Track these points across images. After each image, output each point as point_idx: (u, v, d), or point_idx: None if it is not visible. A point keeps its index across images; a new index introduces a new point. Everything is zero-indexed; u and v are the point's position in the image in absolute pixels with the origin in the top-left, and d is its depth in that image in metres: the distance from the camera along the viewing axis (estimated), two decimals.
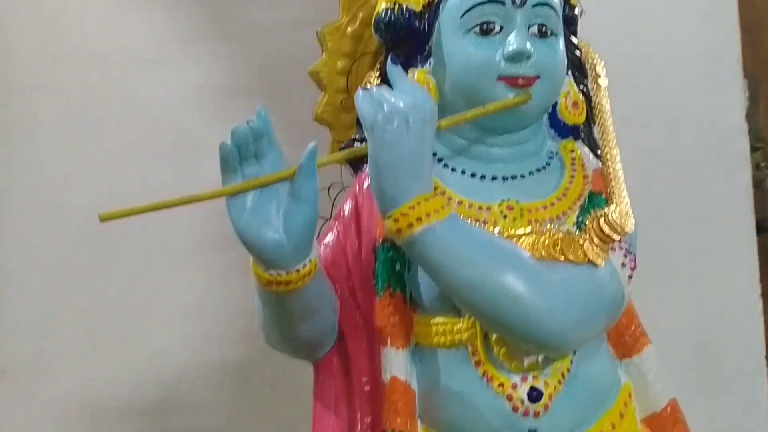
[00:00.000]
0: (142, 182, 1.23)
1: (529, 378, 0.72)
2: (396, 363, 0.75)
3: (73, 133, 1.28)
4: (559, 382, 0.73)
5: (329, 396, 0.81)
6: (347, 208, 0.83)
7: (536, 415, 0.72)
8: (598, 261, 0.70)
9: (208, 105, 1.27)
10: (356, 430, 0.78)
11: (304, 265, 0.71)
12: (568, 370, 0.73)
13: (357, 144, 0.82)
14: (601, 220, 0.72)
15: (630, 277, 0.72)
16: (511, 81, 0.74)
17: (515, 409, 0.72)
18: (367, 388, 0.78)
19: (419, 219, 0.68)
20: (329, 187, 1.01)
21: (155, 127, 1.26)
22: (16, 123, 1.28)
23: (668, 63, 1.32)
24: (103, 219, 0.67)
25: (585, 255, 0.70)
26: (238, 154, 0.69)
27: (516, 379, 0.72)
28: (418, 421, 0.76)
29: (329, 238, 0.83)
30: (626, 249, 0.73)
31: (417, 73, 0.77)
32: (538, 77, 0.75)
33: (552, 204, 0.76)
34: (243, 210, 0.69)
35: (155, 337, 1.26)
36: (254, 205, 0.70)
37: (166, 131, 1.26)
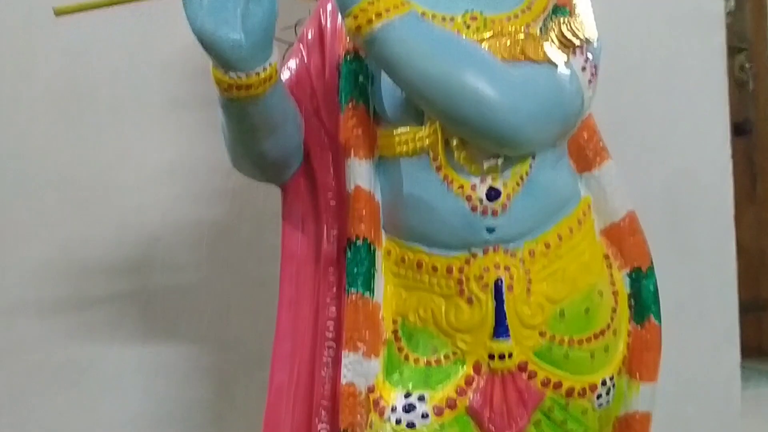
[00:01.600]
0: (110, 41, 1.22)
1: (488, 179, 0.74)
2: (359, 173, 0.76)
3: None
4: (518, 184, 0.74)
5: (297, 215, 0.83)
6: (311, 30, 0.83)
7: (494, 214, 0.74)
8: (558, 61, 0.71)
9: None
10: (323, 244, 0.80)
11: (264, 69, 0.71)
12: (526, 174, 0.75)
13: None
14: (563, 25, 0.72)
15: (590, 82, 0.73)
16: None
17: (474, 209, 0.74)
18: (332, 203, 0.80)
19: (378, 14, 0.68)
20: (296, 25, 1.01)
21: None
22: None
23: None
24: (58, 13, 0.66)
25: (545, 54, 0.71)
26: None
27: (475, 180, 0.74)
28: (383, 232, 0.78)
29: (293, 60, 0.83)
30: (587, 56, 0.74)
31: None
32: None
33: (516, 16, 0.76)
34: (200, 8, 0.68)
35: (130, 197, 1.27)
36: (211, 3, 0.68)
37: None
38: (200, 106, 1.23)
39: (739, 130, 3.52)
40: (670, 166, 1.34)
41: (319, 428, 0.78)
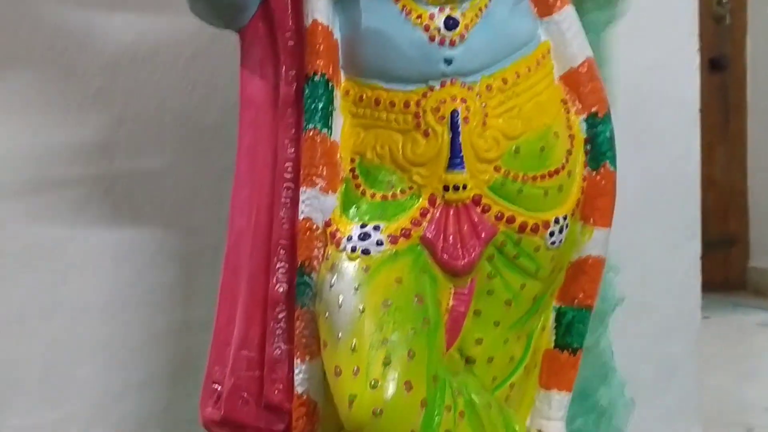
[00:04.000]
0: None
1: (447, 9, 0.74)
2: (317, 7, 0.76)
3: None
4: (476, 16, 0.74)
5: (255, 60, 0.82)
6: None
7: (452, 44, 0.74)
8: None
9: None
10: (281, 84, 0.80)
11: None
12: (485, 7, 0.75)
13: None
14: None
15: None
16: None
17: (432, 39, 0.74)
18: (291, 43, 0.79)
19: None
20: None
21: None
22: None
23: None
24: None
25: None
26: None
27: (433, 10, 0.74)
28: (341, 72, 0.78)
29: None
30: None
31: None
32: None
33: None
34: None
35: (93, 79, 1.25)
36: None
37: None
38: None
39: (715, 65, 3.54)
40: (636, 60, 1.34)
41: (277, 267, 0.79)
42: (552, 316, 0.83)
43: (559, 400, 0.84)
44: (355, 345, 0.69)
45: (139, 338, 1.28)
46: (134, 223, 1.29)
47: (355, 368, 0.69)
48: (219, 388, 0.82)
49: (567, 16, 0.80)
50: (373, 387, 0.67)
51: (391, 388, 0.67)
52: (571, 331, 0.83)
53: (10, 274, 1.26)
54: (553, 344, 0.83)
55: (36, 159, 1.26)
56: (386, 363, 0.68)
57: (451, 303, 0.76)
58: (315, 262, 0.76)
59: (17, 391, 1.24)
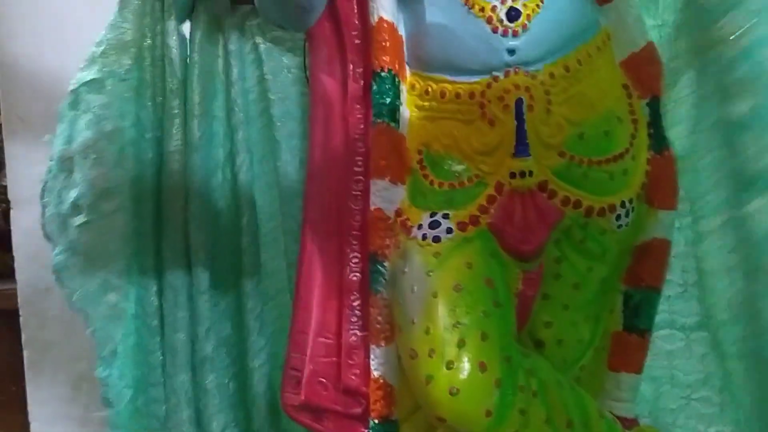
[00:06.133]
0: None
1: (509, 0, 0.76)
2: (383, 4, 0.78)
3: None
4: (537, 6, 0.76)
5: (323, 59, 0.85)
6: None
7: (514, 34, 0.76)
8: None
9: None
10: (349, 81, 0.83)
11: None
12: None
13: None
14: None
15: None
16: None
17: (494, 30, 0.76)
18: (357, 41, 0.82)
19: None
20: None
21: None
22: None
23: None
24: None
25: None
26: None
27: (496, 2, 0.76)
28: (407, 67, 0.81)
29: None
30: None
31: None
32: None
33: None
34: None
35: None
36: None
37: None
38: None
39: None
40: None
41: (350, 257, 0.82)
42: (620, 298, 0.84)
43: (628, 381, 0.85)
44: (429, 328, 0.72)
45: None
46: None
47: (430, 350, 0.71)
48: (298, 374, 0.85)
49: (627, 1, 0.81)
50: (449, 368, 0.70)
51: (466, 369, 0.70)
52: (639, 313, 0.84)
53: None
54: (621, 326, 0.84)
55: None
56: (460, 345, 0.71)
57: (519, 287, 0.78)
58: (387, 251, 0.79)
59: None
